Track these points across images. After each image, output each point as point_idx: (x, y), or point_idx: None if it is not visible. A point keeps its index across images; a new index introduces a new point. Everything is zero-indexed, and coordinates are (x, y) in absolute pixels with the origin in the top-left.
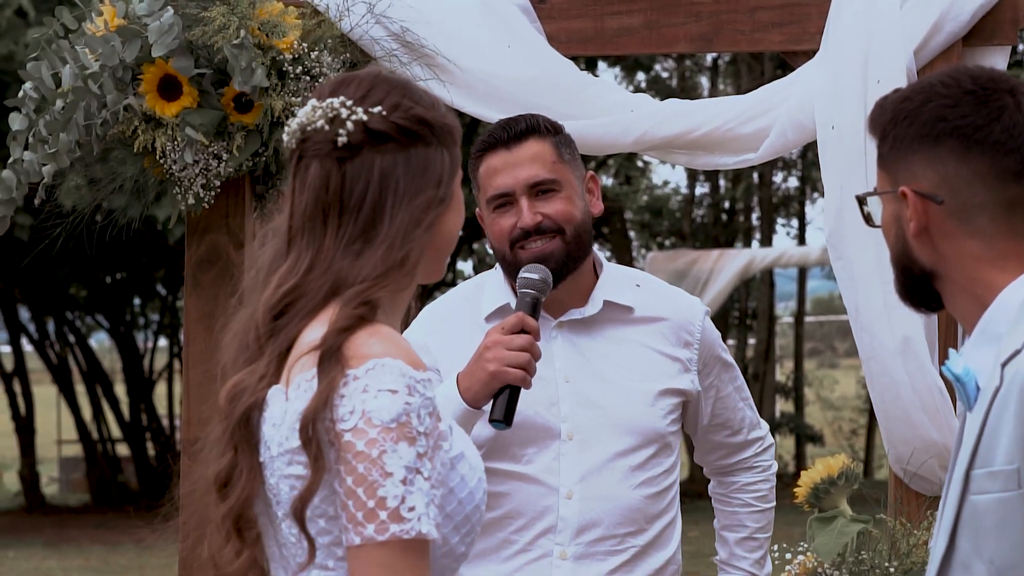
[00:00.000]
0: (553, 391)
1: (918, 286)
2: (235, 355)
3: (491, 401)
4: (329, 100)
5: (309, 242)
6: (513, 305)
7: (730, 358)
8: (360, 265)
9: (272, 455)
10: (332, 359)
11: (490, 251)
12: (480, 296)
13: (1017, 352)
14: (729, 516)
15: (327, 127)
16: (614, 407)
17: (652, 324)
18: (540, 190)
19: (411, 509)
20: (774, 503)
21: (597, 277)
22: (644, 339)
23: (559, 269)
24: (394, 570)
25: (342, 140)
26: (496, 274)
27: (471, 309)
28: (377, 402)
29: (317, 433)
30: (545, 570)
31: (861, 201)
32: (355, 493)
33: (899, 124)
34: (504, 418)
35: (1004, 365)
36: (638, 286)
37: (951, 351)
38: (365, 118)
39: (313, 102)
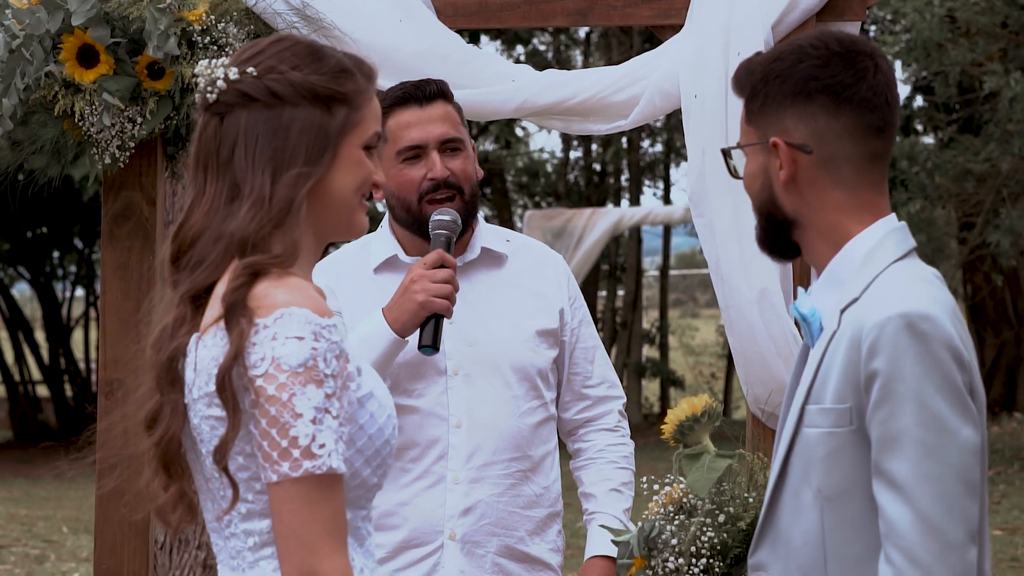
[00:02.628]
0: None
1: (778, 233)
2: (158, 299)
3: (418, 330)
4: (220, 60)
5: (193, 190)
6: (400, 256)
7: (589, 317)
8: (240, 223)
9: (193, 397)
10: (236, 314)
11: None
12: (366, 253)
13: (855, 300)
14: (595, 473)
15: (208, 85)
16: (494, 344)
17: (524, 271)
18: (449, 147)
19: (321, 446)
20: (634, 469)
21: (473, 231)
22: (518, 283)
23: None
24: (311, 502)
25: (211, 97)
26: (380, 233)
27: (360, 264)
28: (286, 348)
29: (232, 384)
30: (440, 494)
31: (727, 155)
32: (269, 434)
33: (771, 82)
34: (432, 343)
35: (843, 311)
36: (508, 240)
37: (800, 290)
38: (236, 78)
39: (210, 62)
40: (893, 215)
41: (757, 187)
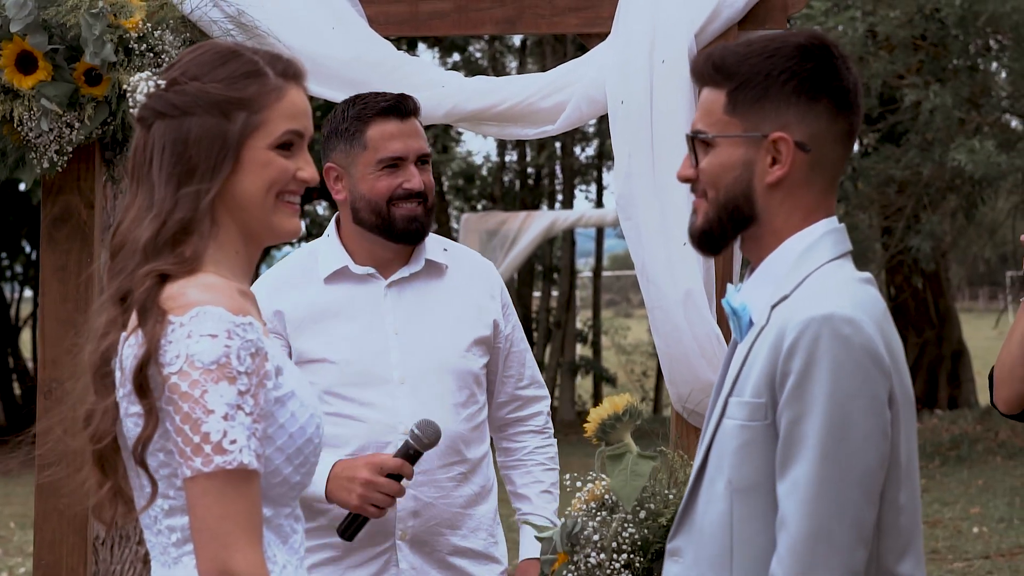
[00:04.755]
0: (384, 343)
1: (733, 228)
2: (96, 303)
3: (346, 515)
4: (147, 72)
5: (128, 199)
6: (352, 267)
7: (518, 321)
8: (145, 233)
9: (120, 396)
10: (148, 315)
11: (320, 212)
12: (314, 262)
13: (785, 297)
14: (525, 475)
15: (132, 97)
16: (437, 353)
17: (462, 282)
18: (422, 160)
19: (233, 442)
20: (558, 468)
21: (423, 242)
22: (457, 294)
23: (422, 230)
24: (224, 497)
25: (134, 110)
26: (327, 242)
27: (307, 273)
28: (199, 346)
29: (149, 381)
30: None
31: (692, 139)
32: (183, 430)
33: (773, 77)
34: (348, 536)
35: (773, 307)
36: (445, 250)
37: (729, 286)
38: (151, 91)
39: (141, 75)
40: (835, 216)
41: (729, 179)
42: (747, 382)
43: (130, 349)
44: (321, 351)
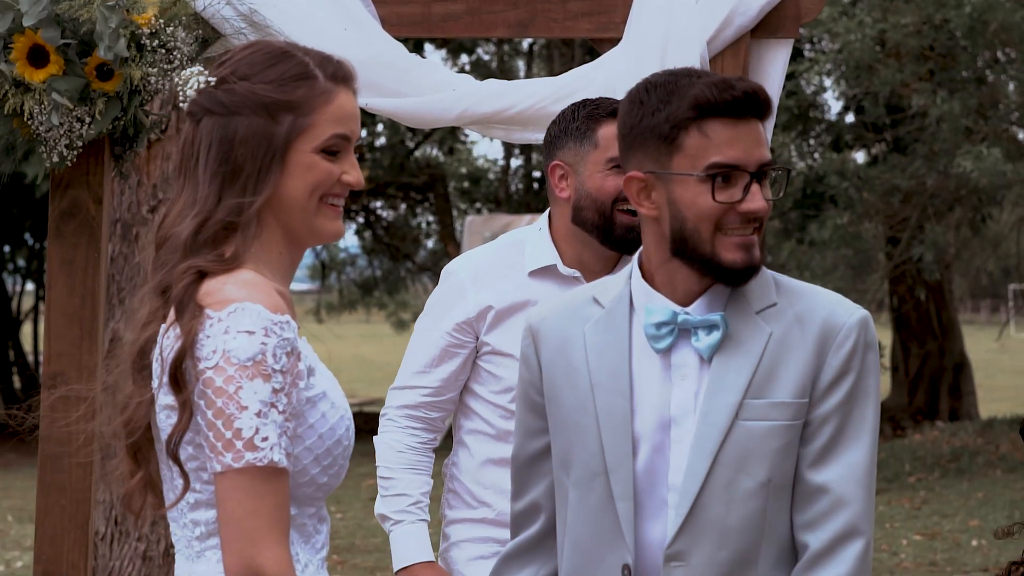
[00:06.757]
0: None
1: None
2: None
3: None
4: (197, 68)
5: (176, 189)
6: (560, 267)
7: None
8: (185, 231)
9: (155, 386)
10: (185, 310)
11: None
12: (520, 253)
13: (773, 304)
14: None
15: (182, 92)
16: None
17: None
18: None
19: (264, 439)
20: None
21: None
22: None
23: (639, 240)
24: (253, 493)
25: (183, 105)
26: (538, 235)
27: (513, 263)
28: (236, 342)
29: (184, 375)
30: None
31: (772, 171)
32: (215, 425)
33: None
34: None
35: (759, 313)
36: None
37: (649, 306)
38: (200, 88)
39: (191, 69)
40: None
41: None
42: (773, 384)
43: (168, 341)
44: (511, 346)
